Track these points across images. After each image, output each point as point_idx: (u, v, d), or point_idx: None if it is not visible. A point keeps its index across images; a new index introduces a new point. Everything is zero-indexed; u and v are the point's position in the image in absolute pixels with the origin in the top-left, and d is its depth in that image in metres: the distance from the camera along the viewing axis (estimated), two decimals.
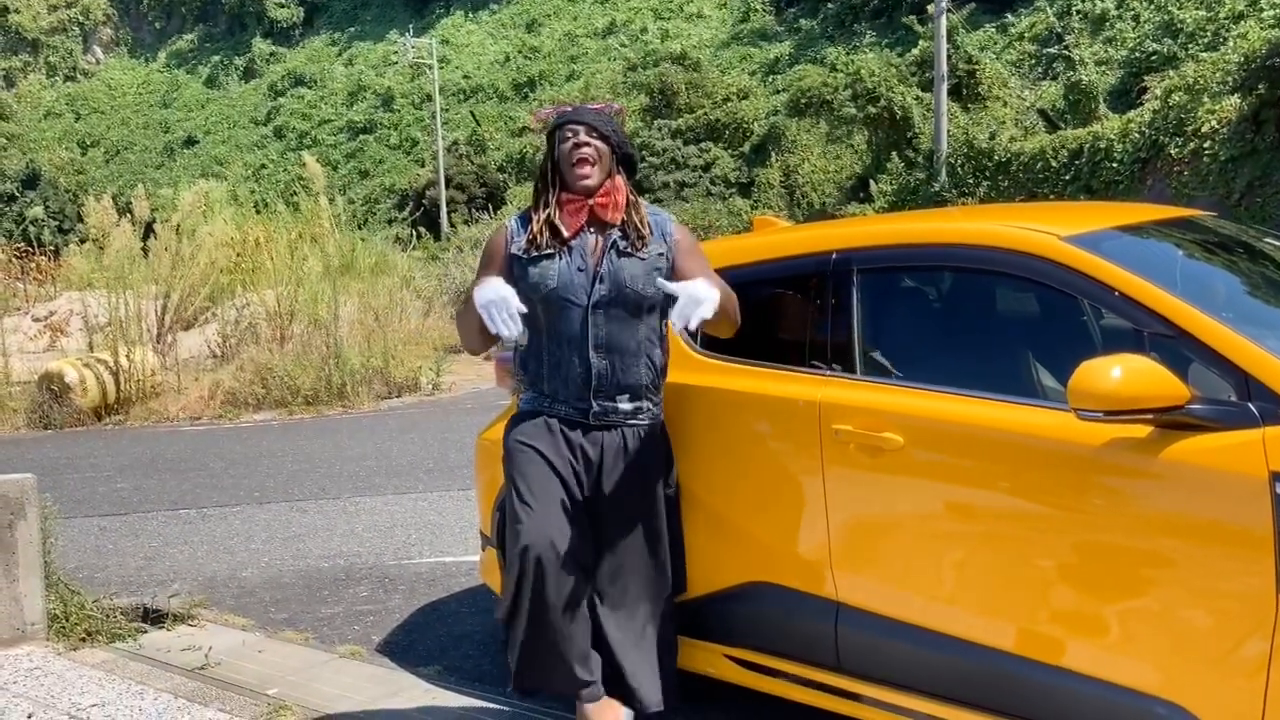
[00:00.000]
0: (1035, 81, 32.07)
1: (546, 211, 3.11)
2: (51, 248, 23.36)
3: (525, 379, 3.21)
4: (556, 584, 3.00)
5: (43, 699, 3.88)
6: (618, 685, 3.16)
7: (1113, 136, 22.15)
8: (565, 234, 3.08)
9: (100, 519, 7.35)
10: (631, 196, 3.16)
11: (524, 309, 2.96)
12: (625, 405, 3.12)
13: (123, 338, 12.76)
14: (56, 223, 49.68)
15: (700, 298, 2.85)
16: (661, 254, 3.12)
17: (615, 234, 3.10)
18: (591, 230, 3.10)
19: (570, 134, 3.09)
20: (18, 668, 4.22)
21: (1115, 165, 22.03)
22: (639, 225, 3.11)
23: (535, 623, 3.03)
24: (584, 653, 3.09)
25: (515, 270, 3.11)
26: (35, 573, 4.54)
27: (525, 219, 3.19)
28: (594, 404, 3.09)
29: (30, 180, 55.71)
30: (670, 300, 2.91)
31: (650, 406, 3.17)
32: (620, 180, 3.14)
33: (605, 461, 3.12)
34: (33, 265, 19.54)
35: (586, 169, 3.08)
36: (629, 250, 3.08)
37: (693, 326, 2.87)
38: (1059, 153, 23.08)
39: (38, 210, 51.49)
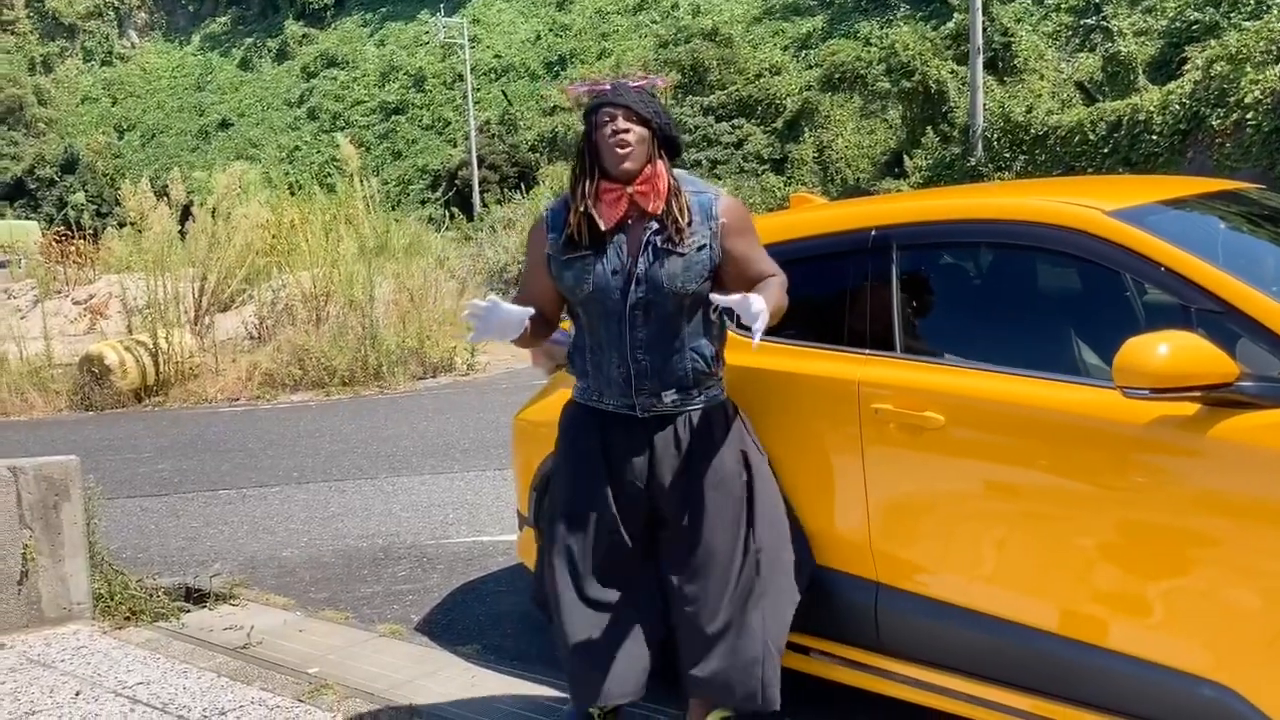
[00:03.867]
0: (1072, 53, 31.61)
1: (585, 203, 2.91)
2: (90, 231, 23.59)
3: (575, 369, 3.09)
4: (590, 612, 2.98)
5: (90, 677, 3.94)
6: (706, 683, 2.99)
7: (1152, 108, 21.81)
8: (603, 227, 2.88)
9: (142, 500, 7.44)
10: (674, 182, 2.92)
11: (524, 318, 2.82)
12: (671, 397, 2.96)
13: (161, 320, 12.89)
14: (95, 206, 50.23)
15: (752, 314, 2.67)
16: (704, 246, 2.90)
17: (653, 227, 2.89)
18: (631, 221, 2.90)
19: (608, 118, 2.86)
20: (65, 646, 4.29)
21: (1155, 138, 21.71)
22: (679, 216, 2.89)
23: (579, 642, 2.98)
24: (625, 668, 3.00)
25: (553, 270, 2.97)
26: (80, 553, 4.61)
27: (560, 211, 3.00)
28: (637, 401, 2.95)
29: (69, 165, 56.35)
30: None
31: (700, 393, 3.00)
32: (662, 166, 2.90)
33: (657, 454, 2.98)
34: (72, 249, 19.75)
35: (626, 154, 2.84)
36: (668, 246, 2.87)
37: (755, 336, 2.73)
38: (1097, 126, 22.76)
39: (79, 196, 52.09)
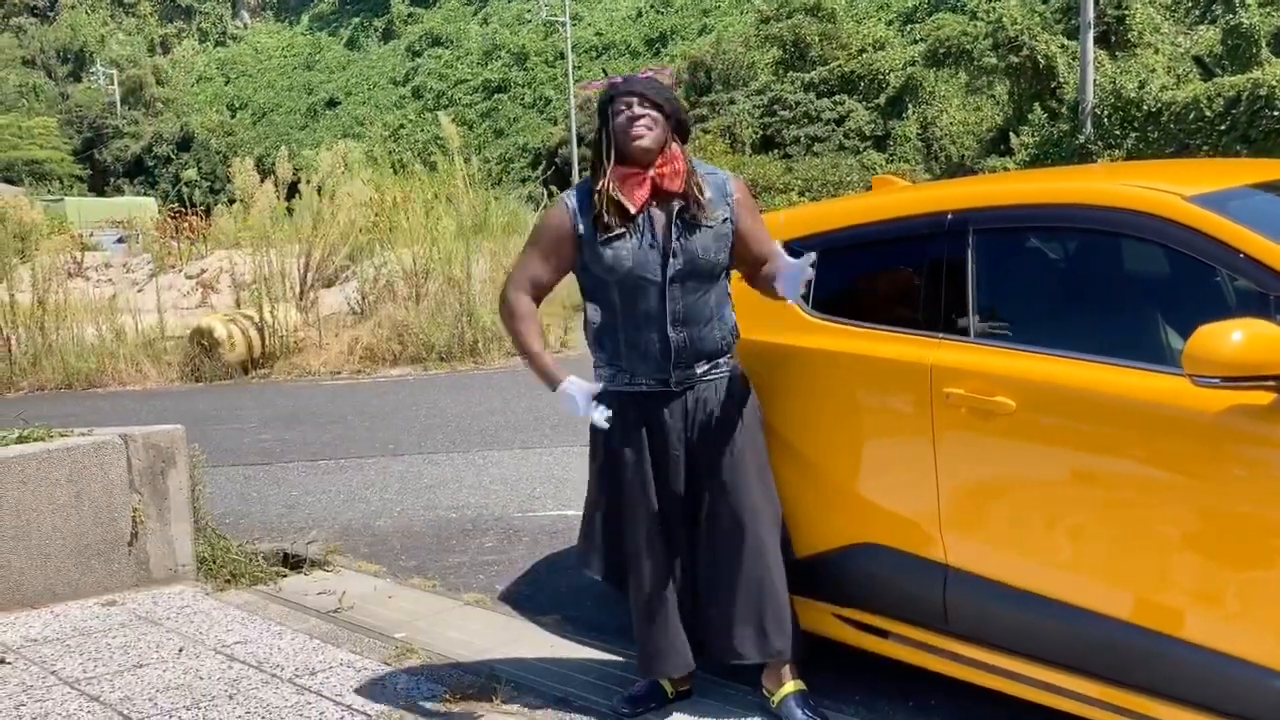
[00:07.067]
0: (1191, 26, 30.45)
1: (604, 183, 3.07)
2: (203, 208, 24.38)
3: (602, 356, 3.25)
4: (655, 588, 3.21)
5: (193, 635, 4.16)
6: (745, 639, 3.18)
7: (1275, 83, 20.95)
8: (632, 210, 3.05)
9: (245, 468, 7.75)
10: (689, 164, 3.13)
11: (606, 423, 3.07)
12: (703, 368, 3.17)
13: (268, 295, 13.32)
14: (208, 183, 51.91)
15: (806, 270, 2.93)
16: (727, 218, 3.13)
17: (678, 205, 3.08)
18: (655, 203, 3.08)
19: (624, 106, 3.06)
20: (171, 605, 4.53)
21: (1277, 114, 20.84)
22: (699, 193, 3.09)
23: (650, 615, 3.23)
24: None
25: (587, 254, 3.13)
26: (185, 518, 4.85)
27: (584, 196, 3.15)
28: (673, 374, 3.13)
29: (184, 143, 58.32)
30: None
31: (724, 361, 3.22)
32: (677, 148, 3.11)
33: (688, 420, 3.18)
34: (186, 225, 20.43)
35: (641, 132, 3.03)
36: (696, 221, 3.08)
37: (801, 291, 2.99)
38: (1214, 102, 21.96)
39: (191, 172, 53.88)
